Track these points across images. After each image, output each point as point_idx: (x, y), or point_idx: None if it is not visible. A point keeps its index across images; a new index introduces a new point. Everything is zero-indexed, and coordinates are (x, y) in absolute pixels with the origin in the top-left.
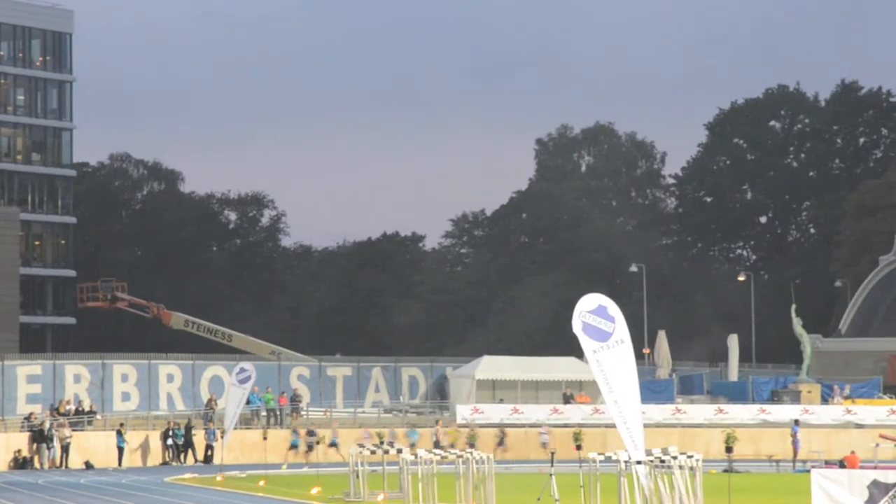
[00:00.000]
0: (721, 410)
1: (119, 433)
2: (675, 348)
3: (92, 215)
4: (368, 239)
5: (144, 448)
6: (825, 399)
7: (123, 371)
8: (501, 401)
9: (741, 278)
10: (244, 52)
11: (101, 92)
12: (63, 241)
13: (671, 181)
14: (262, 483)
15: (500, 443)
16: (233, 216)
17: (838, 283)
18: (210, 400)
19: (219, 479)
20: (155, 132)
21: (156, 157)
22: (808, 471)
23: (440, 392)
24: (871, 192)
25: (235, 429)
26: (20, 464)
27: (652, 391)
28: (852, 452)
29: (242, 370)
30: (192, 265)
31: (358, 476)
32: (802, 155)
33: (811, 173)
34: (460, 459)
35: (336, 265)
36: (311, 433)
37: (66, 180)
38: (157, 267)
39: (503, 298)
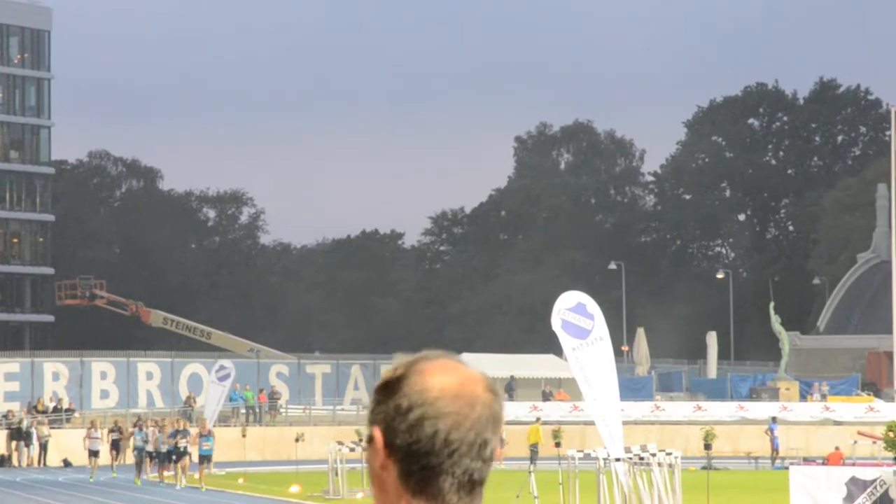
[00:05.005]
0: (700, 408)
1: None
2: (654, 346)
3: (70, 213)
4: (348, 237)
5: (123, 445)
6: (803, 396)
7: (102, 368)
8: None
9: (720, 276)
10: (223, 50)
11: (80, 89)
12: (41, 239)
13: (650, 179)
14: (241, 481)
15: None
16: (212, 214)
17: (817, 281)
18: (189, 397)
19: (197, 476)
20: (133, 129)
21: (134, 154)
22: (787, 468)
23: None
24: (850, 189)
25: (214, 426)
26: None
27: (631, 388)
28: (836, 449)
29: (222, 368)
30: (170, 263)
31: (337, 473)
32: (781, 152)
33: (790, 171)
34: None
35: (315, 263)
36: (114, 430)
37: (45, 178)
38: (136, 265)
39: (483, 296)
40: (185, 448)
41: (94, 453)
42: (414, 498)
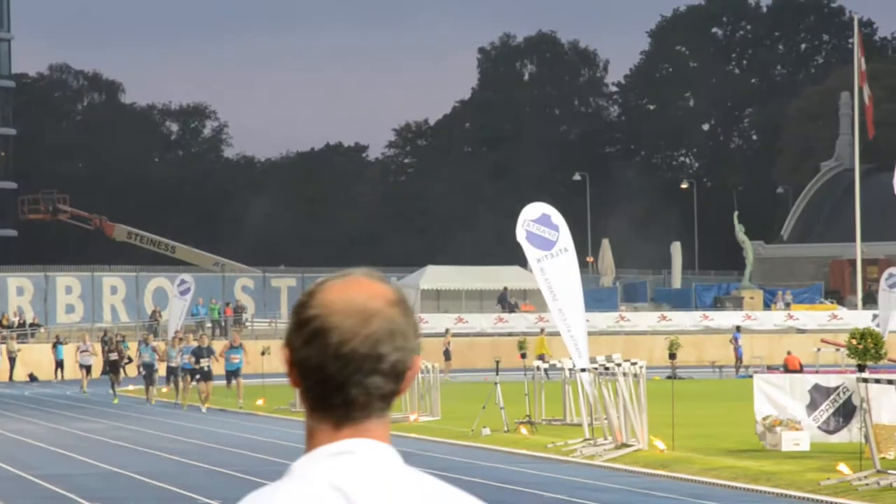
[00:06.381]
0: (664, 317)
1: (57, 345)
2: (619, 256)
3: (32, 127)
4: (312, 149)
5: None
6: (767, 305)
7: (67, 283)
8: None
9: (684, 186)
10: None
11: (40, 2)
12: (3, 153)
13: (614, 89)
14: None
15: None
16: (174, 127)
17: (780, 190)
18: (154, 312)
19: (164, 390)
20: (94, 42)
21: (95, 67)
22: (751, 376)
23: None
24: (813, 98)
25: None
26: None
27: (596, 299)
28: (788, 353)
29: (183, 282)
30: (133, 177)
31: None
32: (745, 62)
33: (753, 80)
34: None
35: (279, 176)
36: (112, 350)
37: (6, 91)
38: (99, 179)
39: (447, 208)
40: (209, 368)
41: (86, 368)
42: (311, 413)
